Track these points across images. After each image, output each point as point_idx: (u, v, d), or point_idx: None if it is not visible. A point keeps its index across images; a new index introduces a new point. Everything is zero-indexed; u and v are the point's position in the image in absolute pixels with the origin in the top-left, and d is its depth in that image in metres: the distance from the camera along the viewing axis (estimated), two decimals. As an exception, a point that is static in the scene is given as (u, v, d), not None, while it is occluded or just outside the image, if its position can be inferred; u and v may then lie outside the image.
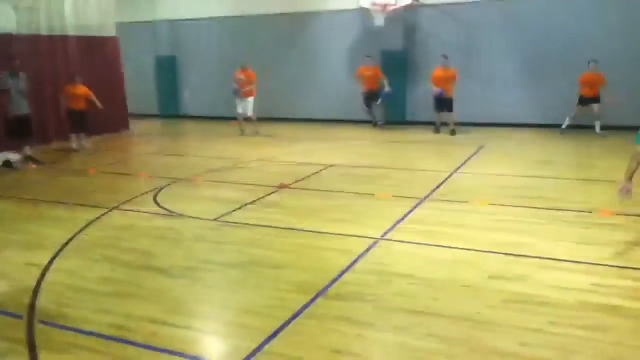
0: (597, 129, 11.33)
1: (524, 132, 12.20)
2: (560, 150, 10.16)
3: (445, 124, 12.54)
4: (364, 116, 14.04)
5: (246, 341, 3.46)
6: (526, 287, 4.18)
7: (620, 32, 11.72)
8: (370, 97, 13.27)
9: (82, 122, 11.21)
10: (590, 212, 6.03)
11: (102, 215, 6.36)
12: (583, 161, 8.95)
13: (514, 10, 12.65)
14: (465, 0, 13.00)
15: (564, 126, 11.54)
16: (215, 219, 6.13)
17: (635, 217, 5.79)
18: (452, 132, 12.32)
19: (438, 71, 12.23)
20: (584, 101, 11.34)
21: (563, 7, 12.21)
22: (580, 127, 11.73)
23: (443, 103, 12.28)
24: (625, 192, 4.85)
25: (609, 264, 4.59)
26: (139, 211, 6.49)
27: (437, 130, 12.57)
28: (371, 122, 13.68)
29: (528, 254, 4.86)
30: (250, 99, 12.76)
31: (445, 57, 12.14)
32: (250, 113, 12.76)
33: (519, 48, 12.72)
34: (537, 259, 4.74)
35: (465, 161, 9.24)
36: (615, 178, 7.66)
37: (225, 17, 15.52)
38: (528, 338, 3.42)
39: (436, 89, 12.20)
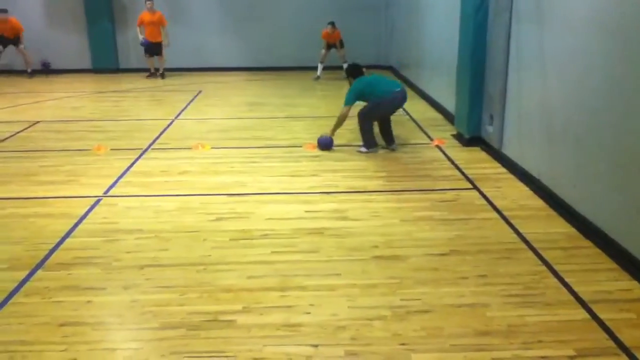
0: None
1: (236, 76, 12.68)
2: (267, 91, 10.86)
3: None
4: (70, 65, 12.90)
5: (-50, 336, 3.01)
6: (249, 223, 4.49)
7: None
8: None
9: None
10: (298, 147, 6.68)
11: None
12: (288, 101, 9.76)
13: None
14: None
15: (318, 73, 11.95)
16: None
17: (334, 147, 6.60)
18: (162, 76, 12.35)
19: (145, 15, 11.87)
20: (329, 46, 11.91)
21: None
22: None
23: (153, 48, 12.03)
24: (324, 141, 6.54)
25: (316, 191, 5.20)
26: None
27: (151, 75, 12.40)
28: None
29: (248, 192, 5.20)
30: None
31: (150, 0, 11.74)
32: None
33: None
34: (257, 196, 5.11)
35: (185, 107, 9.24)
36: (314, 115, 8.63)
37: None
38: (254, 271, 3.71)
39: (142, 40, 11.92)
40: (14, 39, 12.24)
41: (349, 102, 6.28)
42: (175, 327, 3.08)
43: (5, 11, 11.96)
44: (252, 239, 4.20)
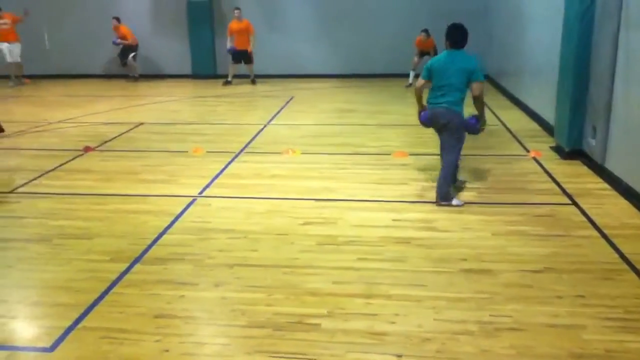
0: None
1: (327, 83, 12.83)
2: (358, 98, 10.88)
3: (246, 76, 12.81)
4: (172, 71, 13.65)
5: (59, 320, 3.25)
6: (336, 229, 4.52)
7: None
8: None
9: None
10: (388, 154, 6.64)
11: None
12: (379, 108, 9.73)
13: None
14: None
15: (410, 80, 11.83)
16: (9, 192, 5.53)
17: (424, 156, 6.49)
18: (253, 82, 12.76)
19: (233, 24, 12.34)
20: (422, 54, 11.82)
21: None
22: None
23: (240, 56, 12.45)
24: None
25: (405, 200, 5.14)
26: None
27: (228, 82, 12.68)
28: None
29: (336, 197, 5.23)
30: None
31: (237, 9, 12.22)
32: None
33: (316, 2, 13.23)
34: (344, 202, 5.12)
35: (277, 113, 9.46)
36: (404, 122, 8.53)
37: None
38: (340, 276, 3.72)
39: (229, 47, 12.39)
40: (128, 50, 13.16)
41: (422, 77, 5.15)
42: (261, 327, 3.15)
43: (117, 19, 12.89)
44: (338, 245, 4.23)
